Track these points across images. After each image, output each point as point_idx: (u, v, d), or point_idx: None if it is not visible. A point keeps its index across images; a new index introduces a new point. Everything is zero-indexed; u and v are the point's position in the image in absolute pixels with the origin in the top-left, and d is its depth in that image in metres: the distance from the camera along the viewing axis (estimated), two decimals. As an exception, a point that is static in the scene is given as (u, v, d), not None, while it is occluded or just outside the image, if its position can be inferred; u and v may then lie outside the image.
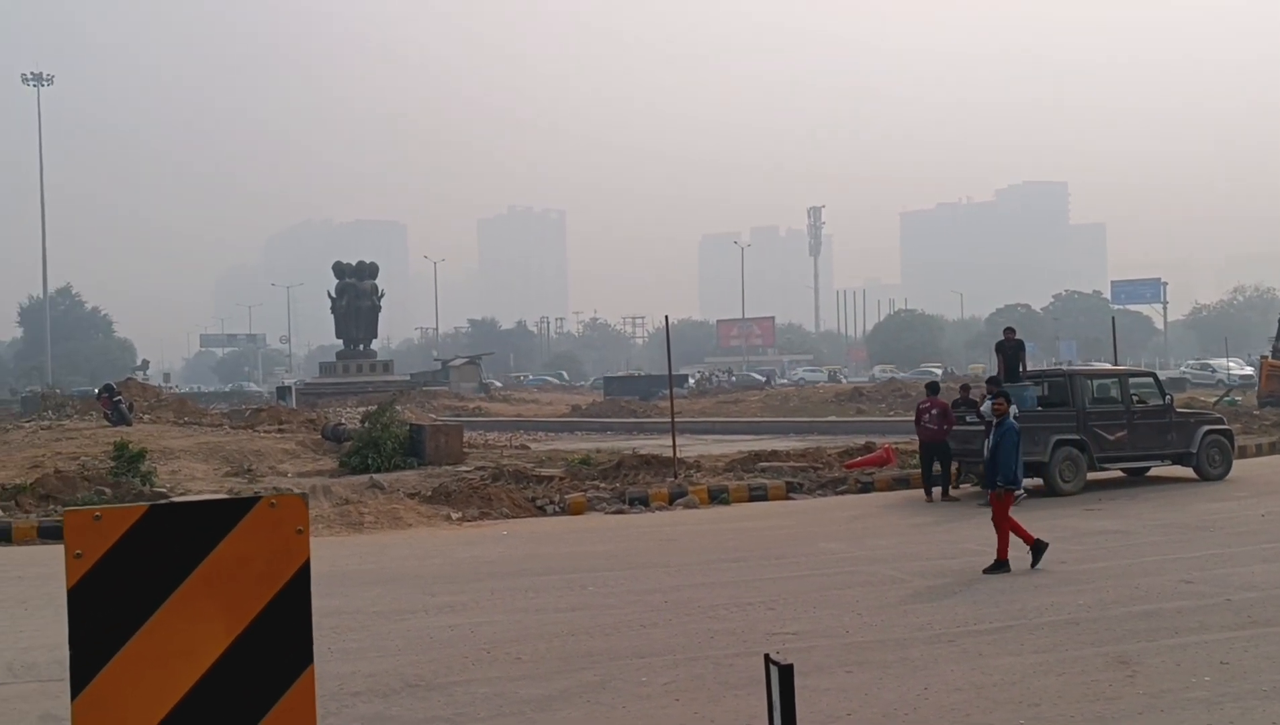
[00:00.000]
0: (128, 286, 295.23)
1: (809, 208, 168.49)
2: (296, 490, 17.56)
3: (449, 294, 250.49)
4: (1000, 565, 10.12)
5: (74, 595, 2.63)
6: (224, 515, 2.67)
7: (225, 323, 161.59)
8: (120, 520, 2.58)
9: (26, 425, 30.65)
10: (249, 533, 2.61)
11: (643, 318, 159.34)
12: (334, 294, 62.21)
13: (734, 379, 71.62)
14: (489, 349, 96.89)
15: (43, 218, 77.18)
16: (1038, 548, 10.29)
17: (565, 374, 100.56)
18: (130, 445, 18.68)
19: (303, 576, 2.72)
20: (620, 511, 16.17)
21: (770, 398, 50.88)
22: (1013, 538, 10.30)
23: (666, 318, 21.29)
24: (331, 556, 12.12)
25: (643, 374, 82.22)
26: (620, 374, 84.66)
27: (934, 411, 16.91)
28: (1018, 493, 10.38)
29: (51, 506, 15.92)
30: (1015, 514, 10.60)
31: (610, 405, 47.09)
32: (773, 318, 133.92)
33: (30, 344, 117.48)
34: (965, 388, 18.52)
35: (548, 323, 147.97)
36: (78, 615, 2.63)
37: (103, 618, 2.62)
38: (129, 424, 28.13)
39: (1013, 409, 11.04)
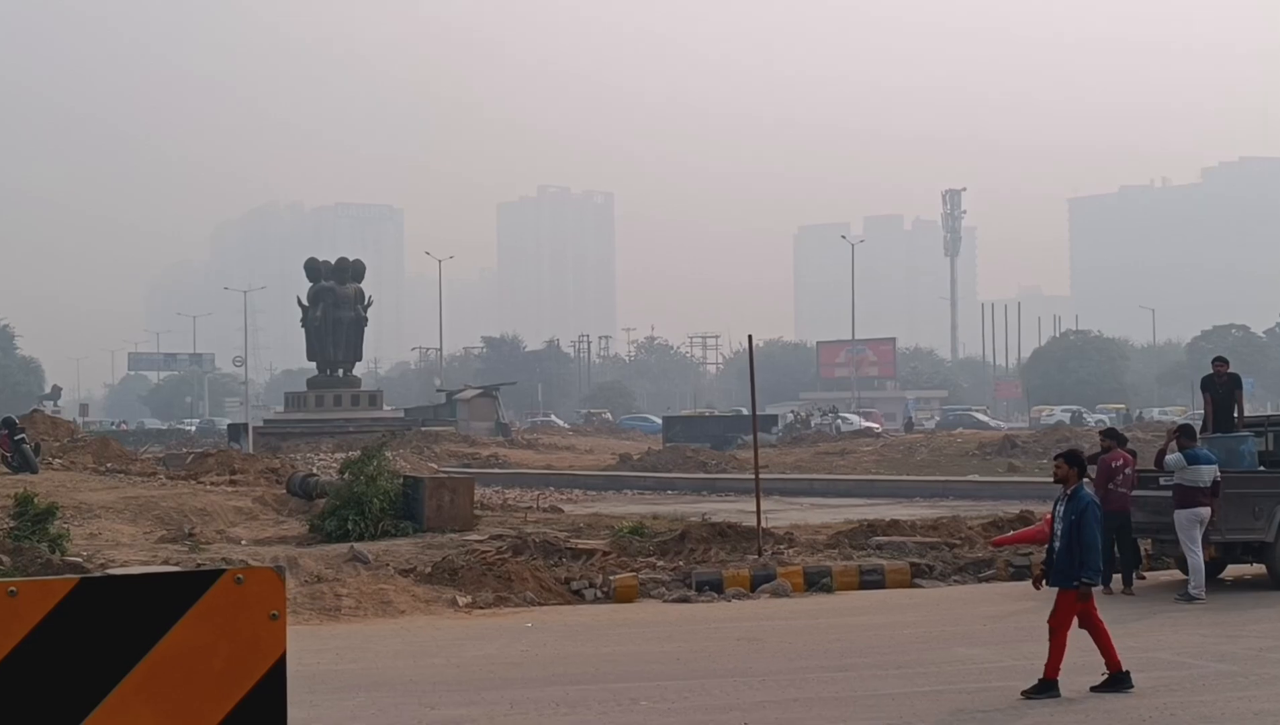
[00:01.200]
0: (33, 290, 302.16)
1: (944, 191, 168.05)
2: (252, 562, 17.78)
3: (459, 303, 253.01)
4: (1117, 680, 10.20)
5: None
6: (176, 593, 2.71)
7: (161, 339, 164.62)
8: (42, 598, 2.63)
9: (-101, 470, 31.41)
10: (208, 617, 2.65)
11: (716, 337, 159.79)
12: (305, 302, 63.06)
13: (840, 421, 71.43)
14: (509, 377, 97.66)
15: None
16: (1119, 679, 10.33)
17: (609, 414, 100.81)
18: (36, 499, 19.04)
19: (276, 677, 2.77)
20: (684, 599, 16.13)
21: (889, 448, 50.61)
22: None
23: (750, 338, 21.30)
24: (299, 652, 12.18)
25: (716, 413, 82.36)
26: (685, 413, 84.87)
27: (1128, 471, 16.65)
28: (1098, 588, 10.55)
29: (-67, 578, 16.28)
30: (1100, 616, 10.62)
31: (672, 455, 47.14)
32: (893, 340, 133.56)
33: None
34: (1111, 434, 17.86)
35: (588, 343, 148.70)
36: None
37: None
38: (34, 471, 28.74)
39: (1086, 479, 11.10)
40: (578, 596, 16.37)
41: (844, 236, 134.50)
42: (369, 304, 63.61)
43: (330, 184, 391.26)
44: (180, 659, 2.75)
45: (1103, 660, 10.35)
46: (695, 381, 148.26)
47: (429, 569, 17.05)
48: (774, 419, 67.07)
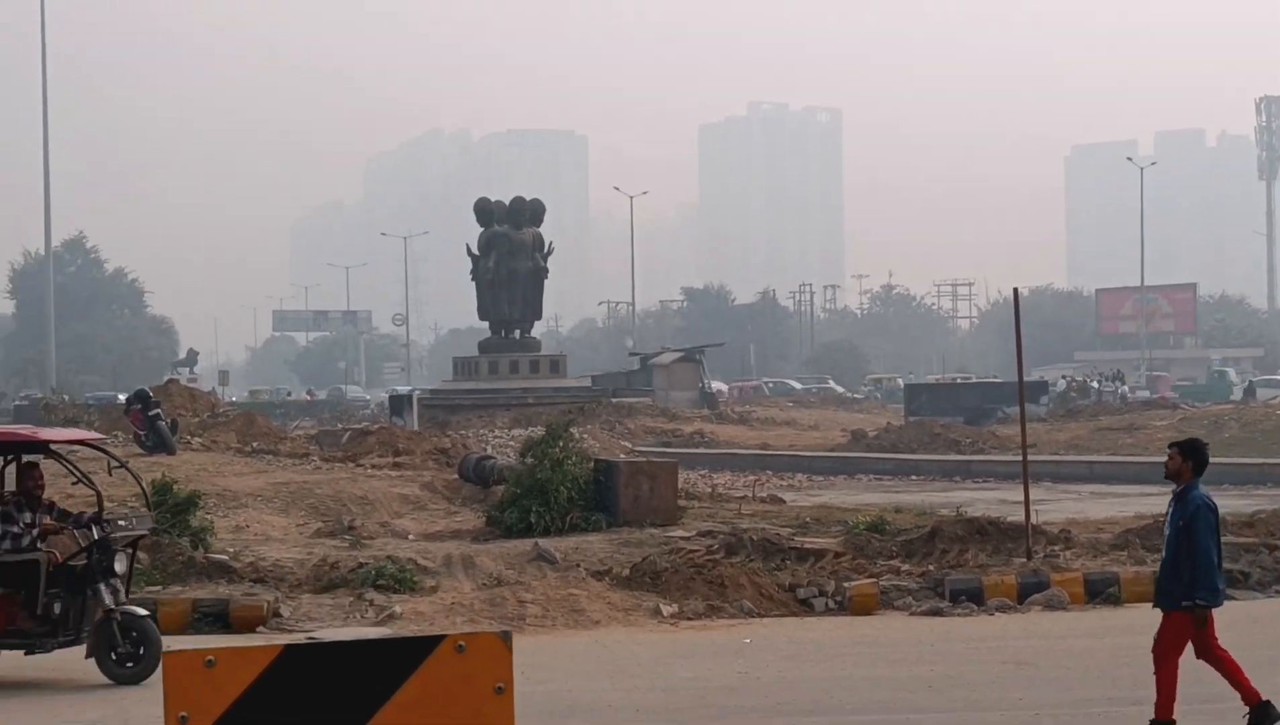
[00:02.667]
0: (163, 239, 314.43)
1: (1259, 99, 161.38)
2: (422, 560, 18.29)
3: (654, 247, 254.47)
4: (1263, 714, 10.10)
5: None
6: (390, 663, 2.80)
7: (309, 294, 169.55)
8: (243, 668, 2.75)
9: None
10: (425, 691, 2.74)
11: (969, 286, 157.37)
12: (476, 250, 64.07)
13: (1126, 389, 69.65)
14: (715, 336, 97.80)
15: (45, 131, 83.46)
16: (1265, 712, 10.16)
17: (831, 381, 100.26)
18: (175, 486, 19.90)
19: None
20: (935, 611, 16.02)
21: (1188, 423, 49.13)
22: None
23: (1016, 293, 20.89)
24: None
25: (968, 380, 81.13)
26: (931, 379, 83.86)
27: None
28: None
29: (61, 579, 17.16)
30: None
31: (916, 431, 46.67)
32: (1193, 286, 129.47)
33: (25, 325, 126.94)
34: None
35: (810, 294, 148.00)
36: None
37: None
38: (172, 451, 30.02)
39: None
40: (805, 607, 16.39)
41: (1129, 158, 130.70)
42: (550, 252, 64.17)
43: (500, 106, 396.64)
44: None
45: (1238, 695, 10.19)
46: (944, 340, 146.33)
47: (627, 571, 17.28)
48: (1043, 386, 65.61)
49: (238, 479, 26.68)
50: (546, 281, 64.80)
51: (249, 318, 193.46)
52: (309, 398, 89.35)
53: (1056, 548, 18.77)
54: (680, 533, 20.50)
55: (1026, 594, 16.53)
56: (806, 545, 18.99)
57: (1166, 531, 10.41)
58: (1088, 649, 13.90)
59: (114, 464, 14.49)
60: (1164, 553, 10.40)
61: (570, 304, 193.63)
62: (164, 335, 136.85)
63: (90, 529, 13.25)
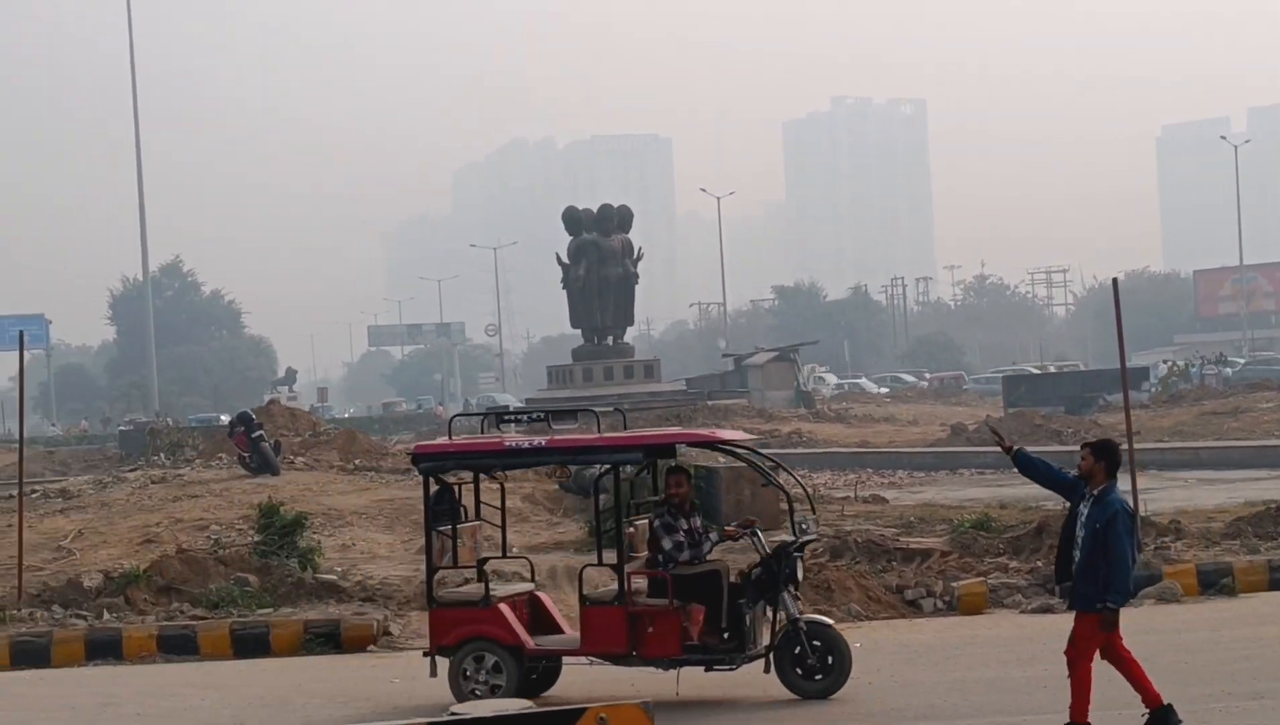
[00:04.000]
0: (258, 261, 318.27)
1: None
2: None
3: (742, 247, 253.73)
4: (1160, 718, 10.18)
5: None
6: None
7: (403, 308, 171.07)
8: None
9: (131, 475, 33.78)
10: None
11: (1063, 272, 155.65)
12: (566, 259, 64.37)
13: (1225, 372, 68.61)
14: (808, 334, 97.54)
15: (138, 158, 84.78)
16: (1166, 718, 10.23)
17: (925, 374, 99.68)
18: (282, 507, 20.15)
19: None
20: (1046, 609, 15.87)
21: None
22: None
23: (1115, 283, 20.65)
24: (585, 684, 12.57)
25: (1069, 369, 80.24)
26: (1030, 369, 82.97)
27: None
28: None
29: (175, 604, 17.46)
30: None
31: (1017, 423, 46.18)
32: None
33: (127, 350, 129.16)
34: None
35: (903, 287, 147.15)
36: None
37: None
38: (276, 472, 30.41)
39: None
40: (913, 608, 16.33)
41: (1223, 137, 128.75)
42: (640, 257, 64.35)
43: (584, 113, 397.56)
44: None
45: (1139, 697, 10.27)
46: (1039, 327, 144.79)
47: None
48: (1144, 372, 64.75)
49: (341, 497, 26.96)
50: (637, 286, 65.00)
51: (344, 334, 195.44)
52: (439, 412, 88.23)
53: (1167, 539, 18.58)
54: (784, 537, 20.43)
55: (1138, 588, 16.32)
56: (912, 545, 18.91)
57: (1080, 532, 10.35)
58: (1204, 642, 13.73)
59: (768, 467, 14.56)
60: (1079, 552, 10.34)
61: (661, 308, 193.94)
62: (262, 355, 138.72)
63: (756, 536, 13.00)
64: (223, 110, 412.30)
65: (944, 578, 17.01)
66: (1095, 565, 10.17)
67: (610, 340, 64.38)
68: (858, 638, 14.88)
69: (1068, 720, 10.20)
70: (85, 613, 17.29)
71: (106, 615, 17.10)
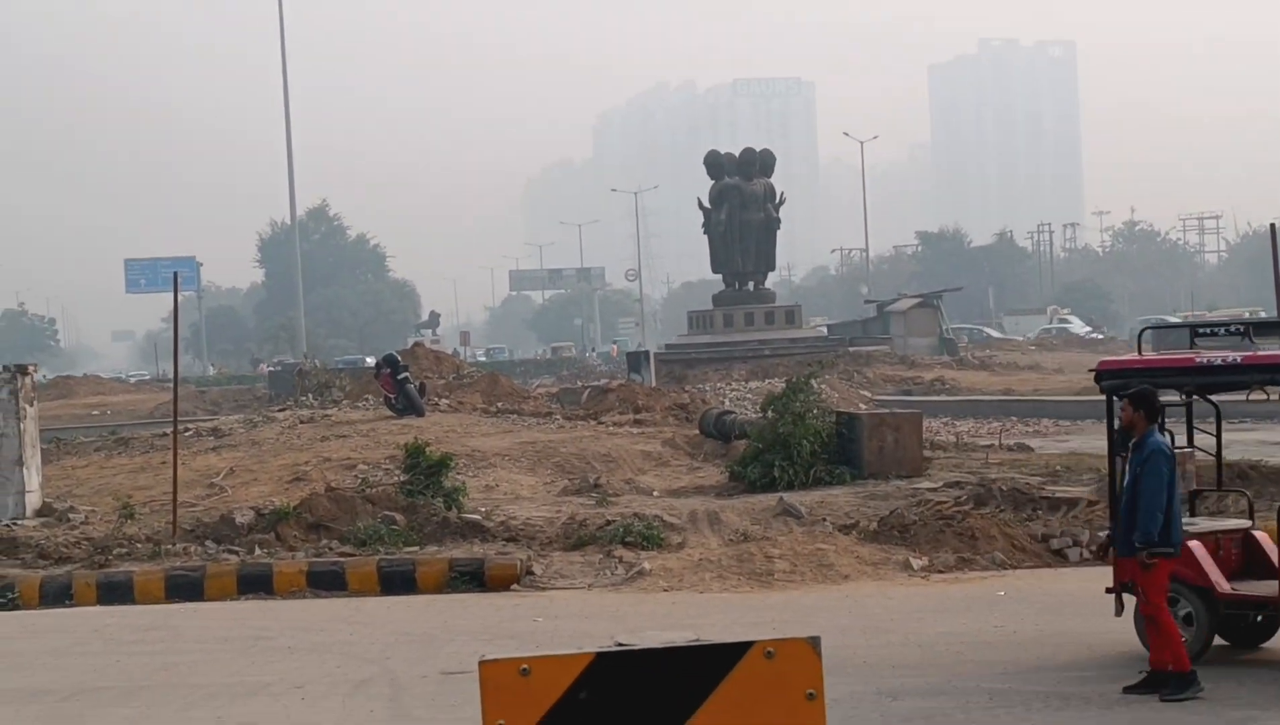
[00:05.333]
0: (402, 206, 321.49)
1: None
2: (668, 517, 18.47)
3: (886, 192, 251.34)
4: (1163, 680, 10.02)
5: None
6: (699, 669, 2.83)
7: (544, 252, 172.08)
8: (556, 677, 2.83)
9: (280, 415, 34.41)
10: (735, 697, 2.77)
11: (1216, 218, 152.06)
12: (707, 204, 64.27)
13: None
14: (953, 280, 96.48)
15: (286, 103, 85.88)
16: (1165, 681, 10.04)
17: (1072, 319, 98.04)
18: (428, 448, 20.41)
19: None
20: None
21: None
22: None
23: (1274, 227, 20.13)
24: (728, 624, 12.62)
25: (1221, 321, 78.23)
26: (1174, 320, 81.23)
27: None
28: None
29: (323, 540, 17.79)
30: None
31: (1164, 372, 45.40)
32: None
33: (275, 292, 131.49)
34: None
35: (1049, 233, 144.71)
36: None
37: None
38: (421, 413, 30.78)
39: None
40: (1059, 557, 16.13)
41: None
42: (781, 202, 64.05)
43: (725, 58, 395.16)
44: None
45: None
46: (1190, 274, 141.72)
47: (874, 525, 17.22)
48: (1299, 322, 63.13)
49: (485, 439, 27.24)
50: (778, 231, 64.72)
51: (486, 278, 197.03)
52: (615, 351, 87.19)
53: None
54: (927, 484, 20.31)
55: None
56: (1058, 494, 18.64)
57: (1127, 478, 10.37)
58: None
59: None
60: (1122, 501, 10.37)
61: (802, 253, 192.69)
62: (406, 298, 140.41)
63: None
64: (369, 55, 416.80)
65: (1090, 527, 16.76)
66: (1135, 511, 10.19)
67: (751, 285, 64.23)
68: (1002, 586, 14.77)
69: (1175, 670, 10.04)
70: (237, 548, 17.70)
71: (257, 551, 17.49)
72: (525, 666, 2.93)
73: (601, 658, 2.95)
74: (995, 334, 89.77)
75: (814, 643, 2.91)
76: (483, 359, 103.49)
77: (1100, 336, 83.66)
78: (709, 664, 2.91)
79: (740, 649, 2.90)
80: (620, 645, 3.15)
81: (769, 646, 2.92)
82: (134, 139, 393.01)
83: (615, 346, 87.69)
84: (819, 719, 2.88)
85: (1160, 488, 10.20)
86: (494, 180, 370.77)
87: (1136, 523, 10.14)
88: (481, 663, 2.96)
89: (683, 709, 2.89)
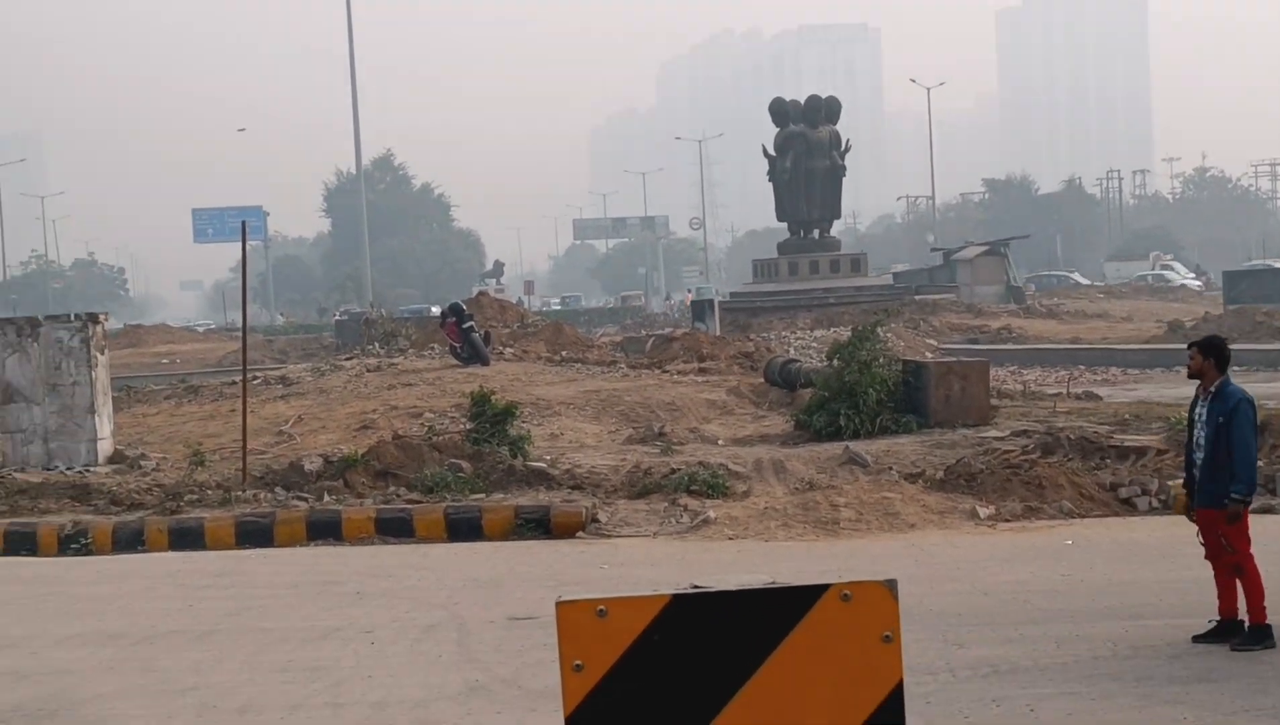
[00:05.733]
0: (466, 155, 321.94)
1: None
2: (732, 465, 18.50)
3: (952, 139, 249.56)
4: (1232, 629, 9.98)
5: (575, 723, 2.95)
6: (775, 611, 2.85)
7: (608, 201, 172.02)
8: (633, 618, 2.87)
9: (347, 364, 34.65)
10: (811, 640, 2.79)
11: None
12: (772, 150, 64.00)
13: None
14: (1019, 228, 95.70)
15: (351, 52, 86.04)
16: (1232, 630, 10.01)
17: (1176, 266, 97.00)
18: (493, 396, 20.52)
19: (893, 708, 2.86)
20: (1268, 509, 15.43)
21: None
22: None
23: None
24: (795, 572, 12.64)
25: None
26: (1255, 264, 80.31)
27: None
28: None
29: (391, 487, 17.94)
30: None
31: (1237, 319, 44.86)
32: None
33: (341, 242, 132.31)
34: None
35: (1119, 180, 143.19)
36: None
37: None
38: (486, 362, 30.91)
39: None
40: (1127, 506, 16.03)
41: None
42: (847, 149, 63.67)
43: (791, 4, 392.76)
44: (782, 686, 2.91)
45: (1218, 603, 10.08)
46: (1262, 221, 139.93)
47: (940, 473, 17.17)
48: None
49: (549, 388, 27.33)
50: (844, 179, 64.40)
51: (550, 227, 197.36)
52: (689, 298, 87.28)
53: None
54: (994, 433, 20.20)
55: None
56: (1127, 443, 18.51)
57: (1200, 432, 10.25)
58: None
59: None
60: (1200, 452, 10.23)
61: (868, 201, 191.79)
62: (471, 247, 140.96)
63: None
64: (434, 5, 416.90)
65: (1159, 476, 16.65)
66: (1219, 461, 10.06)
67: (816, 233, 64.01)
68: (1070, 535, 14.72)
69: (1251, 622, 9.97)
70: (306, 495, 17.88)
71: (326, 497, 17.67)
72: (602, 608, 2.96)
73: (677, 600, 2.97)
74: (1083, 281, 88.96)
75: (890, 585, 2.93)
76: (558, 307, 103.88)
77: (1201, 286, 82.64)
78: (785, 607, 2.93)
79: (816, 592, 2.91)
80: (696, 588, 3.18)
81: (845, 589, 2.93)
82: (201, 88, 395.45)
83: (690, 293, 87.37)
84: (895, 662, 2.90)
85: (1252, 436, 10.21)
86: (558, 129, 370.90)
87: (1234, 473, 10.01)
88: (559, 604, 2.99)
89: (758, 651, 2.91)
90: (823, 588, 2.94)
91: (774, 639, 2.93)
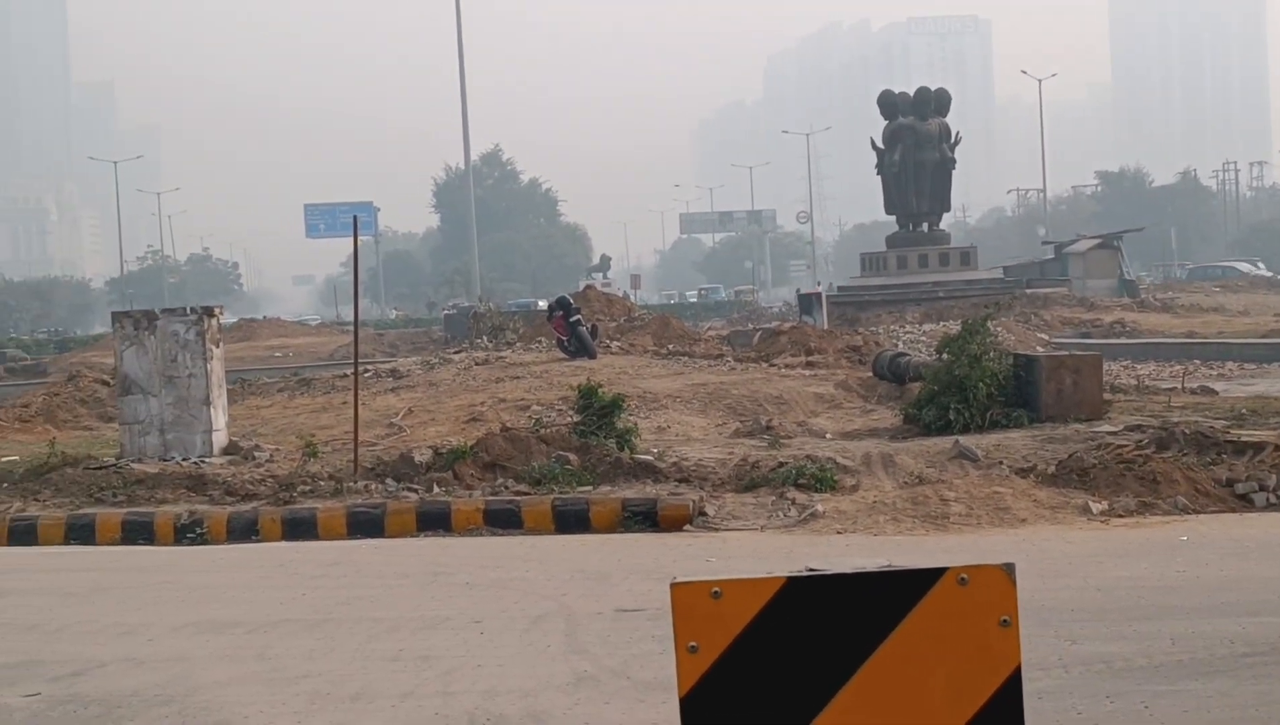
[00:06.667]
0: (573, 150, 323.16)
1: None
2: (841, 459, 18.41)
3: (1064, 131, 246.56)
4: None
5: (689, 706, 2.98)
6: (891, 595, 2.85)
7: (714, 195, 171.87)
8: (748, 600, 2.89)
9: (456, 357, 34.97)
10: (928, 624, 2.78)
11: None
12: (880, 143, 63.64)
13: None
14: (1133, 221, 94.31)
15: (460, 48, 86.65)
16: None
17: (1260, 263, 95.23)
18: (600, 389, 20.58)
19: (1010, 694, 2.85)
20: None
21: None
22: None
23: None
24: (906, 564, 12.53)
25: None
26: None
27: None
28: None
29: (499, 479, 18.06)
30: None
31: (1355, 314, 44.00)
32: None
33: (449, 237, 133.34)
34: None
35: (1235, 172, 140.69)
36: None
37: None
38: (592, 355, 31.05)
39: None
40: (1244, 502, 15.75)
41: None
42: (957, 142, 63.15)
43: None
44: (898, 670, 2.91)
45: None
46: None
47: (1052, 468, 16.97)
48: None
49: (656, 381, 27.38)
50: (954, 172, 63.88)
51: (656, 222, 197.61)
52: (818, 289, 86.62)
53: None
54: (1106, 427, 19.93)
55: None
56: (1243, 438, 18.19)
57: None
58: None
59: None
60: None
61: (978, 194, 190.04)
62: (577, 242, 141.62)
63: None
64: (542, 2, 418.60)
65: (1277, 471, 16.34)
66: None
67: (925, 227, 63.59)
68: (1184, 531, 14.49)
69: None
70: (416, 486, 18.04)
71: (435, 489, 17.82)
72: (717, 589, 2.98)
73: (793, 582, 2.97)
74: (1261, 270, 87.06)
75: (1008, 569, 2.90)
76: (694, 300, 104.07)
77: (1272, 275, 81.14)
78: (901, 590, 2.92)
79: (933, 575, 2.90)
80: (811, 571, 3.18)
81: (963, 573, 2.91)
82: (312, 86, 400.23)
83: (819, 285, 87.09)
84: (1013, 646, 2.87)
85: None
86: (665, 123, 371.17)
87: None
88: (673, 585, 3.00)
89: (874, 635, 2.90)
90: (940, 571, 2.92)
91: (890, 623, 2.91)
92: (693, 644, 2.98)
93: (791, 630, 2.95)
